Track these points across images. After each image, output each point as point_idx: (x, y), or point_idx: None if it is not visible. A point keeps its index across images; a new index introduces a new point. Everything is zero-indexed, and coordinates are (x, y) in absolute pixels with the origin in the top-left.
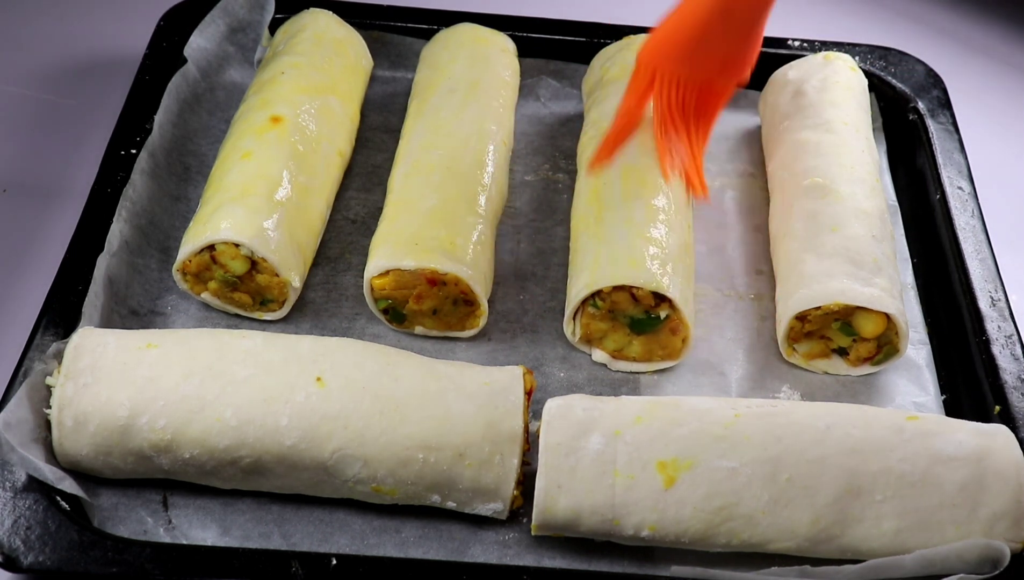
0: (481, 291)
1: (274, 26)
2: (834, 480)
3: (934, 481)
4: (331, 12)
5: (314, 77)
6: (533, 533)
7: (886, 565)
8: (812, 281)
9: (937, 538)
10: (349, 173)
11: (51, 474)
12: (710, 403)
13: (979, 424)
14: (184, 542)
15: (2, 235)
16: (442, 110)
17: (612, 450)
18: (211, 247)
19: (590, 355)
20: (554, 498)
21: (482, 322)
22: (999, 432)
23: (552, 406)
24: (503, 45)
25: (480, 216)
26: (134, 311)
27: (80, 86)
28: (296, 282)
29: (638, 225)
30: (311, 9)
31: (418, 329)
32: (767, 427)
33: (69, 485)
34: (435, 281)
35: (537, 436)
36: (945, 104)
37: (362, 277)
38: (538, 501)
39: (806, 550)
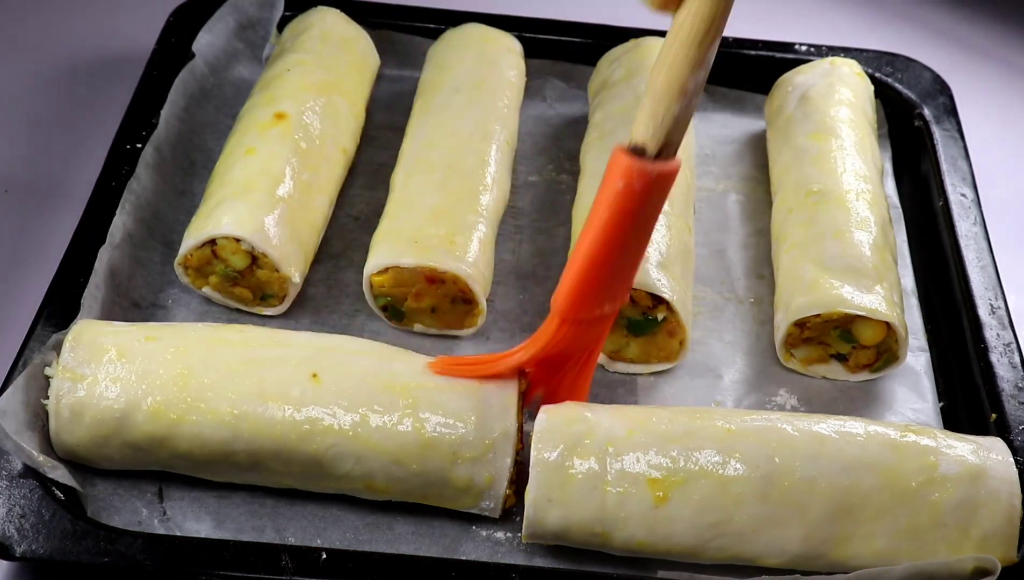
0: (480, 290)
1: (283, 24)
2: (827, 498)
3: (927, 501)
4: (339, 10)
5: (320, 75)
6: (524, 542)
7: (875, 575)
8: (812, 288)
9: (928, 557)
10: (354, 170)
11: (44, 463)
12: (703, 417)
13: (975, 438)
14: (178, 534)
15: (6, 232)
16: (446, 109)
17: (603, 465)
18: (212, 242)
19: None
20: (544, 511)
21: (480, 321)
22: (994, 447)
23: (544, 418)
24: (509, 45)
25: (481, 216)
26: (136, 304)
27: (86, 85)
28: (296, 278)
29: None
30: (319, 7)
31: (417, 327)
32: (760, 443)
33: (62, 475)
34: (434, 279)
35: (531, 436)
36: (951, 111)
37: (363, 274)
38: (528, 514)
39: (796, 565)
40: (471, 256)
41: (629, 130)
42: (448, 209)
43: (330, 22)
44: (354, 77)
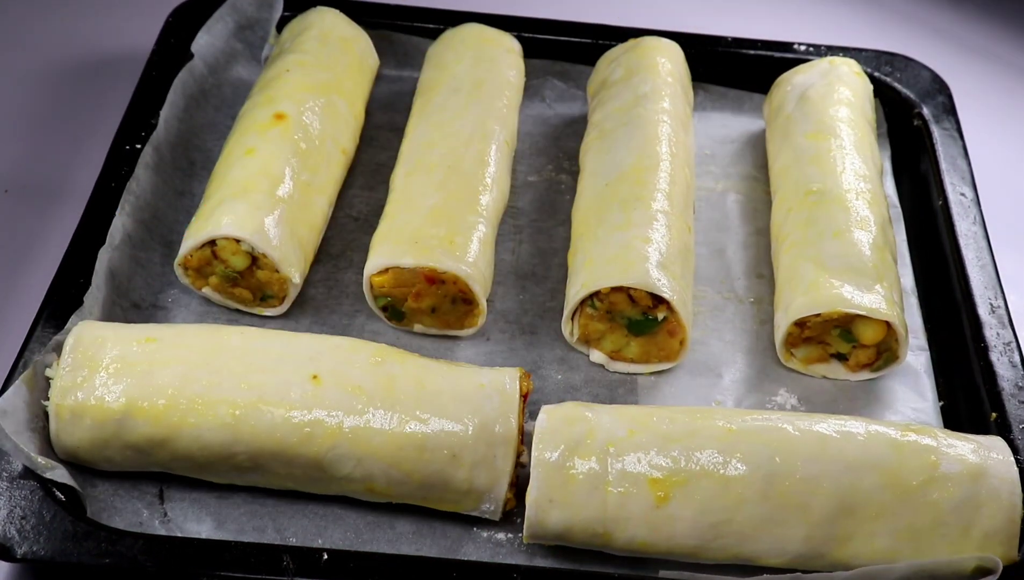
0: (480, 290)
1: (282, 24)
2: (828, 498)
3: (928, 500)
4: (338, 11)
5: (319, 75)
6: (525, 542)
7: (877, 573)
8: (812, 288)
9: (929, 556)
10: (353, 171)
11: (42, 463)
12: (704, 416)
13: (976, 437)
14: (179, 535)
15: (6, 232)
16: (446, 109)
17: (604, 465)
18: (212, 242)
19: (588, 356)
20: (545, 512)
21: (481, 321)
22: (995, 446)
23: (544, 418)
24: (508, 45)
25: (481, 216)
26: (136, 304)
27: (85, 85)
28: (296, 278)
29: (637, 226)
30: (318, 7)
31: (417, 327)
32: (761, 443)
33: (60, 475)
34: (434, 279)
35: (532, 436)
36: (950, 110)
37: (363, 275)
38: (530, 514)
39: (798, 565)
40: (471, 256)
41: (629, 131)
42: (448, 209)
43: (329, 22)
44: (353, 77)
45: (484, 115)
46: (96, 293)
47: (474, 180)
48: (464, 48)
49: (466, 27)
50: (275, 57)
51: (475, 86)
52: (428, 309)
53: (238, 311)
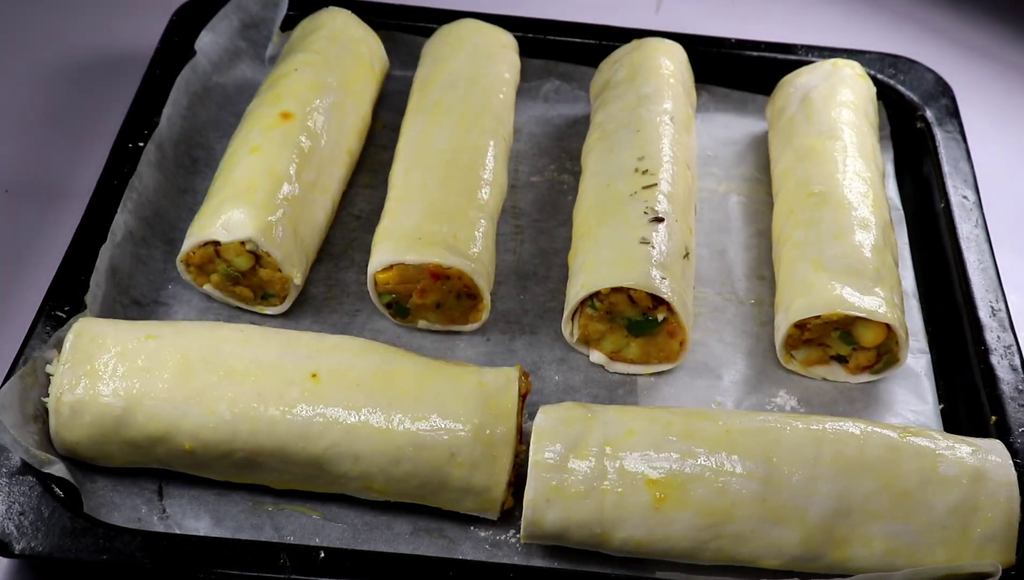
0: (484, 285)
1: (289, 23)
2: (825, 500)
3: (926, 503)
4: (349, 12)
5: (327, 75)
6: (522, 542)
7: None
8: (812, 289)
9: (927, 559)
10: (355, 170)
11: (40, 458)
12: (703, 418)
13: (975, 440)
14: (177, 531)
15: (8, 231)
16: (442, 104)
17: (601, 465)
18: (215, 241)
19: (588, 356)
20: (542, 512)
21: (485, 315)
22: (993, 449)
23: (543, 418)
24: (504, 41)
25: (482, 210)
26: (137, 301)
27: (89, 84)
28: (298, 279)
29: (638, 227)
30: (330, 8)
31: (421, 323)
32: (759, 445)
33: (58, 469)
34: (438, 275)
35: (530, 436)
36: (953, 112)
37: (364, 273)
38: (526, 514)
39: (795, 567)
40: (474, 251)
41: (630, 132)
42: (449, 204)
43: (340, 23)
44: (362, 79)
45: (481, 110)
46: (97, 290)
47: (473, 175)
48: (460, 43)
49: (462, 23)
50: (285, 56)
51: (471, 81)
52: (433, 305)
53: (239, 308)
